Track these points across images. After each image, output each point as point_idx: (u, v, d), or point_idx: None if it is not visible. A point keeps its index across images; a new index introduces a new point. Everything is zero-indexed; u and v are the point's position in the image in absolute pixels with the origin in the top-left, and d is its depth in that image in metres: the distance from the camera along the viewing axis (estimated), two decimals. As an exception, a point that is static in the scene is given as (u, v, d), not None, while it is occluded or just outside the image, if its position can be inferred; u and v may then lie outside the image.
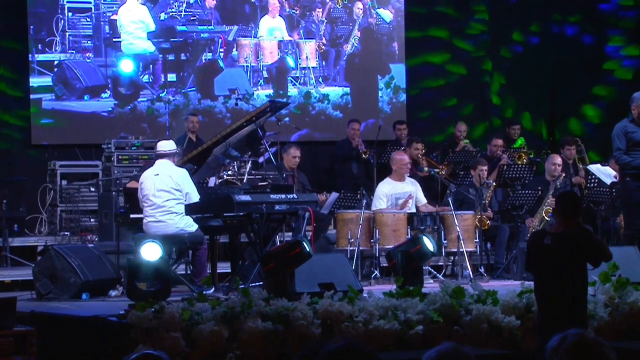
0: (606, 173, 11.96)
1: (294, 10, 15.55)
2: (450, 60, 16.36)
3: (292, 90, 15.46)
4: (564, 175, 12.25)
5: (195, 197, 9.76)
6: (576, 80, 16.43)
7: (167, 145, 10.11)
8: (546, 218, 11.80)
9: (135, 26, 14.73)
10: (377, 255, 10.89)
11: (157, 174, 9.83)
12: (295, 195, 9.89)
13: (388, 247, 10.45)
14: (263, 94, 15.25)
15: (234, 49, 15.28)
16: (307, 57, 15.58)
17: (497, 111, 16.48)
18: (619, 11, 16.76)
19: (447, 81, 16.30)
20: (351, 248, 10.78)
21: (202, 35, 15.15)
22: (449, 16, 16.31)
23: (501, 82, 16.55)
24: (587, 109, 16.65)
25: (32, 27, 14.37)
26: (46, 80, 14.44)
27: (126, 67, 14.71)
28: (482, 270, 11.36)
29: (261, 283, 8.92)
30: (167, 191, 9.73)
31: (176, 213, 9.68)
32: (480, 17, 16.46)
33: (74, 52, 14.56)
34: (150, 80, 14.96)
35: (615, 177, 11.54)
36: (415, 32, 16.10)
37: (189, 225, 9.74)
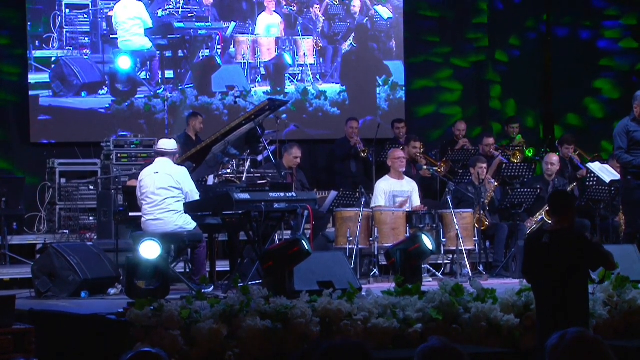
0: (606, 171, 11.97)
1: (291, 7, 15.54)
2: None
3: (290, 87, 15.45)
4: (575, 185, 12.32)
5: (195, 195, 9.75)
6: (575, 74, 16.46)
7: (168, 144, 10.10)
8: (546, 220, 11.82)
9: (132, 23, 14.71)
10: (376, 253, 10.90)
11: (157, 172, 9.83)
12: (294, 194, 9.89)
13: (387, 245, 10.46)
14: (260, 90, 15.24)
15: (232, 46, 15.27)
16: (304, 54, 15.57)
17: (497, 115, 16.49)
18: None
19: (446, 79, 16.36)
20: (350, 246, 10.78)
21: (199, 32, 15.13)
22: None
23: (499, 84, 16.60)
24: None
25: (29, 23, 14.36)
26: (43, 77, 14.42)
27: (123, 63, 14.70)
28: (481, 268, 11.37)
29: (260, 281, 8.92)
30: (166, 189, 9.73)
31: (174, 211, 9.68)
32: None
33: (71, 48, 14.54)
34: (148, 77, 14.94)
35: (617, 174, 11.56)
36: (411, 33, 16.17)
37: (187, 223, 9.74)
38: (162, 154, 9.99)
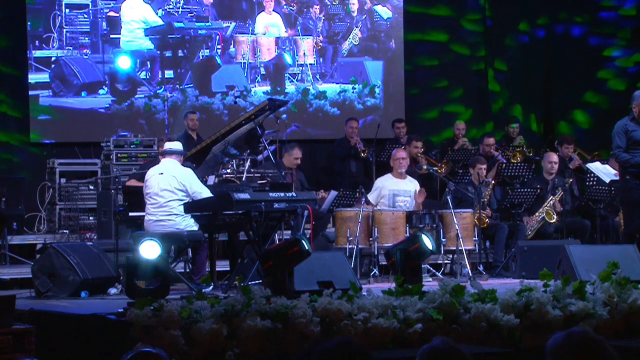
0: (605, 171, 11.97)
1: (291, 7, 15.54)
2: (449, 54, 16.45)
3: (290, 87, 15.45)
4: (571, 180, 12.29)
5: (205, 194, 9.74)
6: (577, 75, 16.46)
7: (175, 145, 10.13)
8: (546, 219, 11.81)
9: (136, 25, 14.73)
10: (376, 253, 10.89)
11: (162, 173, 9.84)
12: (294, 194, 9.87)
13: (387, 245, 10.45)
14: (260, 90, 15.25)
15: (232, 46, 15.28)
16: (304, 54, 15.58)
17: (495, 108, 16.50)
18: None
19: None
20: (350, 246, 10.78)
21: (199, 31, 15.14)
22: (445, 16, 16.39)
23: (500, 75, 16.61)
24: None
25: (29, 23, 14.37)
26: (43, 77, 14.44)
27: (123, 63, 14.71)
28: (481, 268, 11.36)
29: (260, 281, 8.91)
30: (170, 191, 9.74)
31: (177, 214, 9.69)
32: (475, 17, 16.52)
33: (71, 48, 14.56)
34: (148, 76, 14.95)
35: (616, 175, 11.56)
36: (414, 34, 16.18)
37: (190, 225, 9.76)
38: (168, 153, 10.00)
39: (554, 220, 11.87)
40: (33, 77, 14.37)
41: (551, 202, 11.93)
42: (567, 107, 16.64)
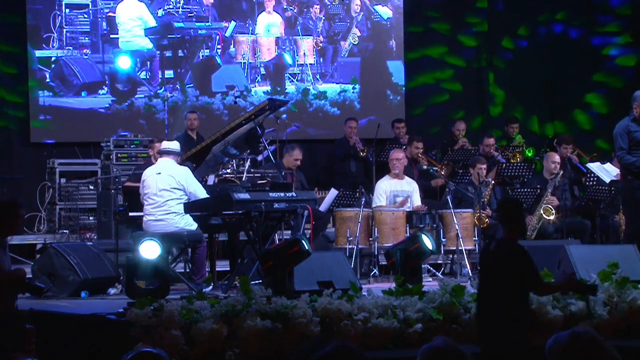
0: (605, 171, 11.96)
1: (291, 7, 15.54)
2: (449, 58, 16.39)
3: (290, 87, 15.45)
4: (562, 173, 12.26)
5: (201, 193, 9.73)
6: (575, 75, 16.42)
7: (172, 144, 10.13)
8: (544, 216, 11.81)
9: (134, 23, 14.73)
10: (376, 253, 10.90)
11: (159, 173, 9.83)
12: (294, 194, 9.86)
13: (387, 245, 10.47)
14: (261, 90, 15.25)
15: (232, 46, 15.28)
16: (304, 54, 15.57)
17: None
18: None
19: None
20: (350, 246, 10.79)
21: (199, 31, 15.14)
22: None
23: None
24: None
25: (29, 23, 14.36)
26: (44, 77, 14.43)
27: (123, 63, 14.71)
28: (480, 268, 11.35)
29: (260, 281, 8.91)
30: (168, 190, 9.73)
31: (176, 213, 9.69)
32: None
33: (71, 48, 14.56)
34: (148, 76, 14.95)
35: (616, 176, 11.54)
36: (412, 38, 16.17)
37: (189, 224, 9.75)
38: (165, 153, 10.00)
39: (553, 216, 11.85)
40: (33, 77, 14.37)
41: (547, 196, 11.87)
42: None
